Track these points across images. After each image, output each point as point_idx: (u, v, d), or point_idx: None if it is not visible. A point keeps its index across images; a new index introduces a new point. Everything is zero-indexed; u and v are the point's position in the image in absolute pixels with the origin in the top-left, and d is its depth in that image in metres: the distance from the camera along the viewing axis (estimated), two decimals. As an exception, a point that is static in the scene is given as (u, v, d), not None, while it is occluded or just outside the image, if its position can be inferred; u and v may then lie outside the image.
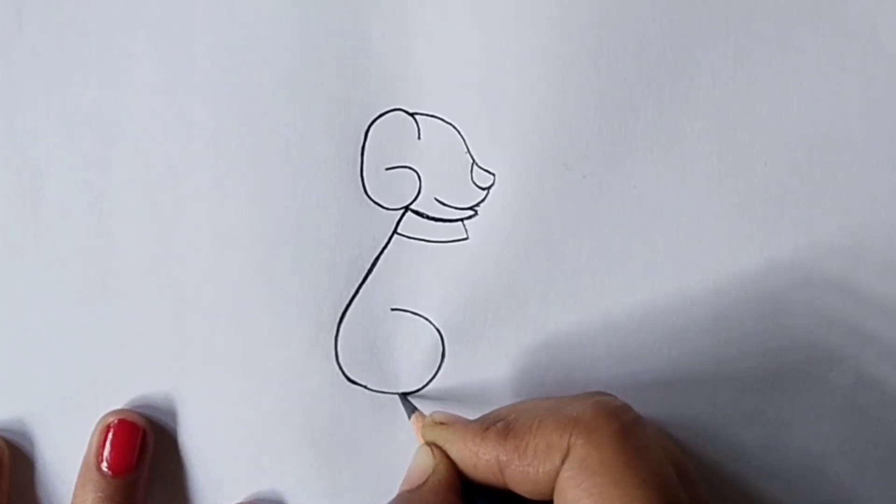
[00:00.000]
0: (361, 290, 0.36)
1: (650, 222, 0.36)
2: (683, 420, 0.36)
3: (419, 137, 0.36)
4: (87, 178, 0.37)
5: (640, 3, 0.35)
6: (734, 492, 0.36)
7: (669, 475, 0.28)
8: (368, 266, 0.36)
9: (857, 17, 0.35)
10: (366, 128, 0.36)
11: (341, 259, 0.36)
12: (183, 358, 0.37)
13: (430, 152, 0.36)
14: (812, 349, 0.36)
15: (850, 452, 0.36)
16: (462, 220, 0.36)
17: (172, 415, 0.37)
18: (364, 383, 0.36)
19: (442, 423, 0.33)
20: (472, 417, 0.33)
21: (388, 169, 0.36)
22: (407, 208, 0.36)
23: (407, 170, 0.36)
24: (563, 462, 0.28)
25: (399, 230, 0.36)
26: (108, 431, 0.36)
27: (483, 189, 0.36)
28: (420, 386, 0.36)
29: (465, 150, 0.36)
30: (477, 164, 0.36)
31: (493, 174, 0.36)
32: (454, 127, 0.36)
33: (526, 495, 0.30)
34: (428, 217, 0.36)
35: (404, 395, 0.36)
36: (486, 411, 0.32)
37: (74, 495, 0.36)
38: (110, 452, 0.36)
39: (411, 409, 0.35)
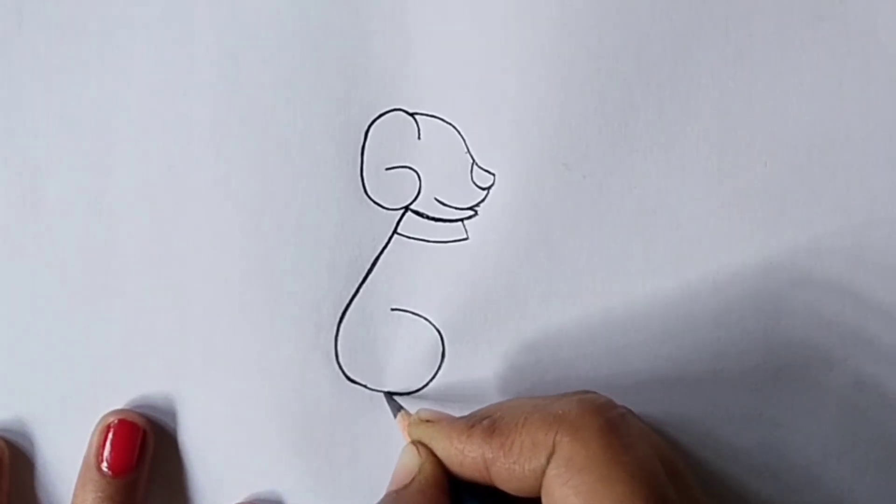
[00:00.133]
0: (361, 290, 0.36)
1: (650, 222, 0.36)
2: (683, 420, 0.36)
3: (419, 137, 0.36)
4: (87, 178, 0.37)
5: (640, 3, 0.35)
6: (732, 492, 0.36)
7: (657, 470, 0.28)
8: (368, 266, 0.36)
9: (857, 17, 0.35)
10: (366, 128, 0.36)
11: (341, 259, 0.36)
12: (183, 358, 0.37)
13: (430, 152, 0.36)
14: (812, 349, 0.36)
15: (849, 452, 0.36)
16: (462, 220, 0.36)
17: (172, 415, 0.37)
18: (364, 383, 0.36)
19: (428, 421, 0.33)
20: (468, 417, 0.33)
21: (388, 169, 0.36)
22: (407, 208, 0.36)
23: (407, 170, 0.36)
24: (548, 460, 0.28)
25: (399, 230, 0.36)
26: (108, 431, 0.36)
27: (483, 189, 0.36)
28: (420, 386, 0.36)
29: (465, 150, 0.36)
30: (477, 164, 0.36)
31: (493, 174, 0.36)
32: (454, 127, 0.36)
33: (512, 493, 0.30)
34: (428, 217, 0.36)
35: (389, 394, 0.36)
36: (486, 411, 0.33)
37: (74, 495, 0.36)
38: (110, 452, 0.36)
39: (397, 408, 0.35)
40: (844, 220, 0.36)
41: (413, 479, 0.31)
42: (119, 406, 0.37)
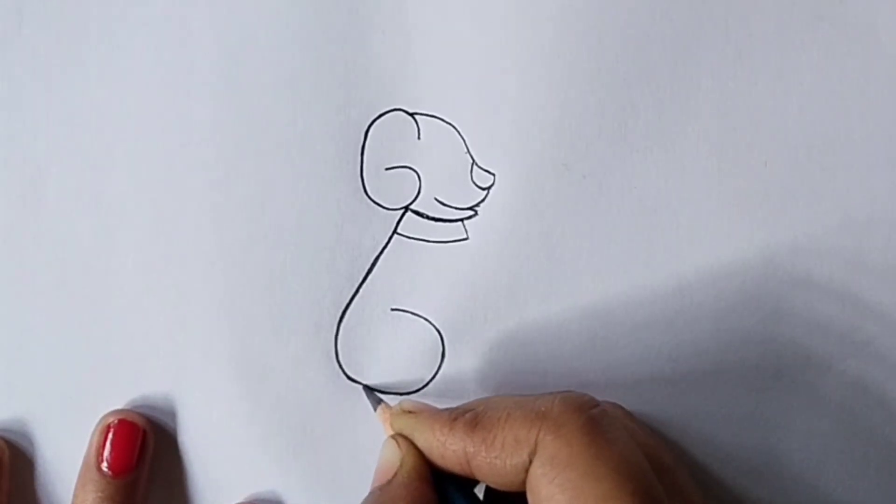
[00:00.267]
0: (361, 290, 0.36)
1: (650, 222, 0.36)
2: (683, 420, 0.36)
3: (419, 137, 0.36)
4: (87, 178, 0.37)
5: (640, 3, 0.35)
6: (731, 492, 0.36)
7: (641, 464, 0.28)
8: (368, 266, 0.36)
9: (857, 17, 0.35)
10: (366, 128, 0.36)
11: (341, 259, 0.36)
12: (183, 358, 0.37)
13: (430, 152, 0.36)
14: (811, 349, 0.36)
15: (848, 453, 0.36)
16: (462, 220, 0.36)
17: (172, 415, 0.37)
18: (364, 383, 0.36)
19: (410, 412, 0.33)
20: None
21: (388, 169, 0.36)
22: (407, 208, 0.36)
23: (407, 170, 0.36)
24: (530, 456, 0.29)
25: (399, 230, 0.36)
26: (108, 431, 0.36)
27: (483, 189, 0.36)
28: (420, 386, 0.36)
29: (465, 150, 0.36)
30: (477, 164, 0.36)
31: (493, 174, 0.36)
32: (454, 127, 0.36)
33: (492, 486, 0.30)
34: (428, 217, 0.36)
35: (368, 388, 0.36)
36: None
37: (74, 495, 0.36)
38: (110, 452, 0.36)
39: (377, 402, 0.35)
40: (844, 220, 0.36)
41: (395, 473, 0.31)
42: (119, 406, 0.37)
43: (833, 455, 0.36)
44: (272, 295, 0.36)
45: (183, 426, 0.37)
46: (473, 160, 0.36)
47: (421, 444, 0.32)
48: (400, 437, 0.32)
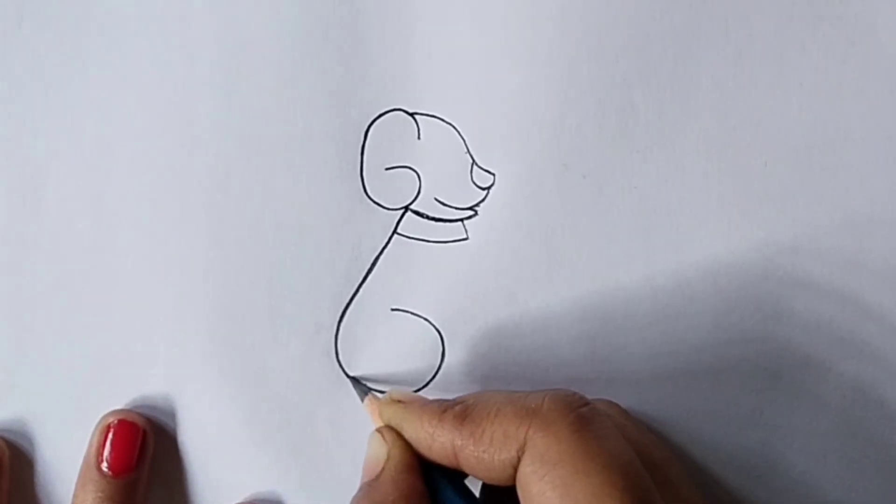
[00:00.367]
0: (361, 290, 0.36)
1: (650, 222, 0.36)
2: (682, 420, 0.36)
3: (419, 137, 0.36)
4: (87, 177, 0.37)
5: (640, 3, 0.35)
6: (731, 492, 0.36)
7: (631, 460, 0.28)
8: (368, 266, 0.36)
9: (857, 17, 0.35)
10: (366, 128, 0.36)
11: (341, 259, 0.36)
12: (183, 358, 0.37)
13: (430, 152, 0.36)
14: (811, 350, 0.36)
15: (848, 453, 0.36)
16: (462, 220, 0.36)
17: (172, 415, 0.37)
18: (365, 382, 0.36)
19: (399, 402, 0.32)
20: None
21: (388, 169, 0.36)
22: (407, 208, 0.36)
23: (407, 170, 0.36)
24: (518, 452, 0.28)
25: (399, 230, 0.36)
26: (108, 431, 0.36)
27: (483, 189, 0.36)
28: (420, 385, 0.36)
29: (465, 150, 0.36)
30: (477, 164, 0.36)
31: (493, 174, 0.36)
32: (454, 127, 0.36)
33: (479, 479, 0.30)
34: (428, 217, 0.36)
35: (355, 379, 0.36)
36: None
37: (74, 495, 0.36)
38: (110, 452, 0.36)
39: (364, 392, 0.35)
40: (844, 220, 0.36)
41: (384, 467, 0.31)
42: (119, 406, 0.37)
43: (833, 455, 0.36)
44: (272, 295, 0.36)
45: (183, 426, 0.37)
46: (473, 160, 0.36)
47: (409, 435, 0.31)
48: (386, 429, 0.32)
